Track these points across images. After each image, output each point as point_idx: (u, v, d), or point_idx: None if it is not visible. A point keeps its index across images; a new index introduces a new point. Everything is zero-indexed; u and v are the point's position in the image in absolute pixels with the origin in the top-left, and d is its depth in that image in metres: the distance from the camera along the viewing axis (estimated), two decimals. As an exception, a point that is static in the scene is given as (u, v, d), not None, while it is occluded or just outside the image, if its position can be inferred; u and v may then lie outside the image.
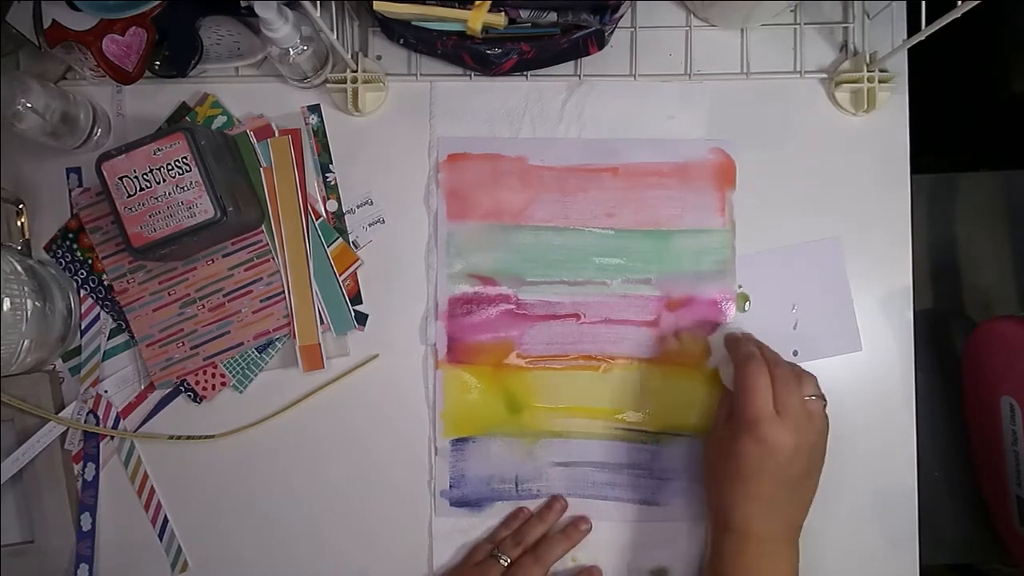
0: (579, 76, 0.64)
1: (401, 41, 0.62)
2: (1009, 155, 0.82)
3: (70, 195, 0.64)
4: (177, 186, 0.55)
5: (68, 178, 0.64)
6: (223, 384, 0.63)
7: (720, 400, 0.60)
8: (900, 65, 0.62)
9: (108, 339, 0.63)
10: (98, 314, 0.63)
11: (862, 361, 0.62)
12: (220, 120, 0.64)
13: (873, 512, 0.62)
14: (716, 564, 0.54)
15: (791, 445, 0.51)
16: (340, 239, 0.63)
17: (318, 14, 0.52)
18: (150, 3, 0.58)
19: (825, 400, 0.54)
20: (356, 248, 0.63)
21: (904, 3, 0.62)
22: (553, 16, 0.57)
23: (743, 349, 0.55)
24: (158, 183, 0.55)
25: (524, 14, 0.57)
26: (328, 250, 0.63)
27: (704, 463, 0.59)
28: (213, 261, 0.62)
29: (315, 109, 0.64)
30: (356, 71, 0.62)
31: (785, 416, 0.51)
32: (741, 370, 0.53)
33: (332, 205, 0.64)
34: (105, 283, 0.63)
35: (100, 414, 0.63)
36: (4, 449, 0.61)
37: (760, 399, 0.51)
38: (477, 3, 0.55)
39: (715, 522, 0.55)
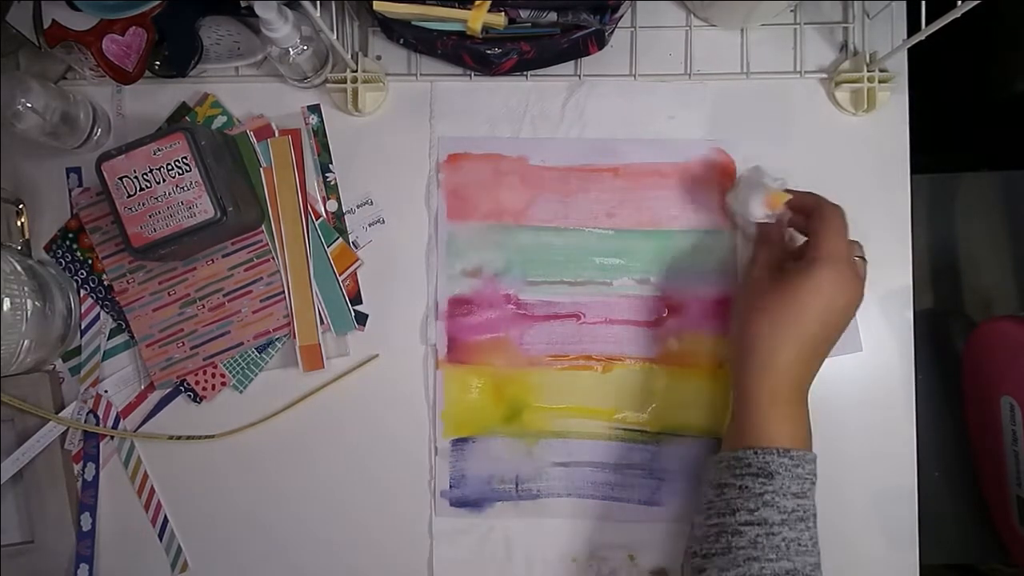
0: (579, 76, 0.64)
1: (401, 41, 0.62)
2: (1009, 155, 0.82)
3: (70, 195, 0.64)
4: (177, 186, 0.55)
5: (68, 178, 0.64)
6: (223, 384, 0.63)
7: (762, 244, 0.58)
8: (900, 65, 0.62)
9: (108, 339, 0.63)
10: (98, 314, 0.63)
11: (862, 361, 0.62)
12: (220, 120, 0.64)
13: (873, 512, 0.62)
14: (746, 408, 0.52)
15: (856, 293, 0.52)
16: (340, 239, 0.63)
17: (318, 14, 0.52)
18: (150, 3, 0.58)
19: (866, 262, 0.56)
20: (356, 248, 0.63)
21: (904, 3, 0.62)
22: (553, 16, 0.57)
23: (820, 196, 0.55)
24: (158, 183, 0.55)
25: (524, 14, 0.57)
26: (328, 250, 0.63)
27: (741, 307, 0.56)
28: (213, 261, 0.62)
29: (315, 109, 0.64)
30: (356, 71, 0.62)
31: (853, 265, 0.52)
32: (826, 211, 0.53)
33: (332, 205, 0.64)
34: (105, 283, 0.63)
35: (100, 414, 0.63)
36: (4, 449, 0.61)
37: (844, 239, 0.52)
38: (477, 3, 0.55)
39: (750, 366, 0.53)
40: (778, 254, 0.57)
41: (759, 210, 0.57)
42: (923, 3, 0.53)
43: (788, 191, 0.56)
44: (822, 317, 0.51)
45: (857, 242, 0.56)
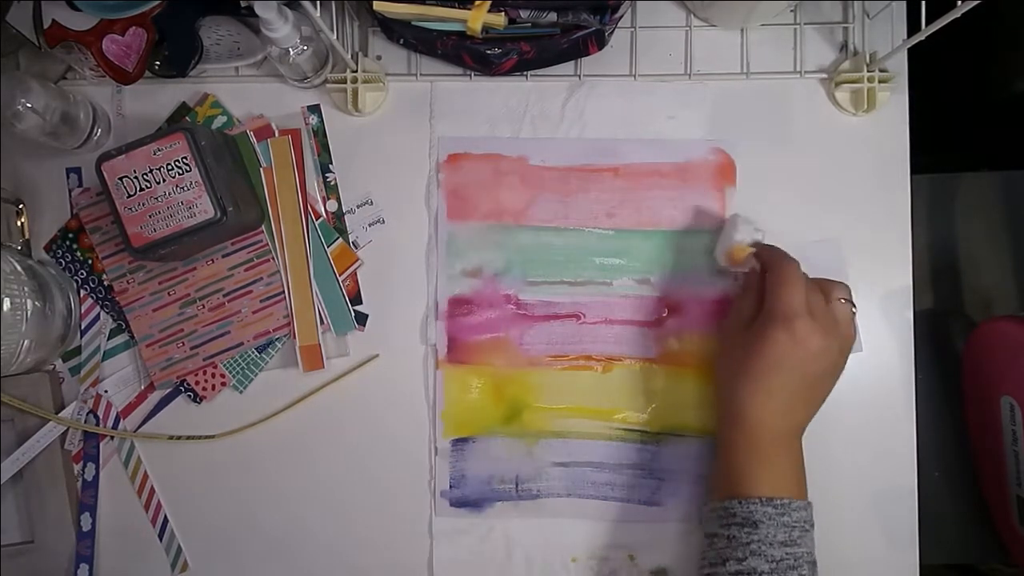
0: (579, 76, 0.64)
1: (401, 41, 0.62)
2: (1009, 155, 0.82)
3: (70, 195, 0.64)
4: (177, 186, 0.55)
5: (68, 178, 0.64)
6: (223, 384, 0.63)
7: (740, 297, 0.59)
8: (900, 65, 0.62)
9: (108, 339, 0.63)
10: (98, 314, 0.63)
11: (862, 361, 0.62)
12: (220, 120, 0.64)
13: (873, 512, 0.62)
14: (727, 460, 0.54)
15: (819, 344, 0.51)
16: (340, 239, 0.63)
17: (318, 14, 0.52)
18: (150, 3, 0.58)
19: (855, 307, 0.55)
20: (356, 248, 0.63)
21: (904, 3, 0.62)
22: (553, 16, 0.57)
23: (777, 250, 0.56)
24: (158, 183, 0.55)
25: (524, 14, 0.57)
26: (328, 250, 0.63)
27: (718, 360, 0.59)
28: (213, 261, 0.62)
29: (315, 109, 0.64)
30: (356, 71, 0.62)
31: (815, 316, 0.52)
32: (777, 267, 0.54)
33: (332, 205, 0.64)
34: (105, 283, 0.63)
35: (100, 414, 0.63)
36: (4, 449, 0.61)
37: (796, 295, 0.52)
38: (477, 3, 0.55)
39: (727, 418, 0.54)
40: (753, 306, 0.56)
41: (721, 261, 0.59)
42: (923, 3, 0.53)
43: (757, 244, 0.57)
44: (792, 370, 0.52)
45: (840, 284, 0.55)
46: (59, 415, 0.62)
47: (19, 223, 0.63)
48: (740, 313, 0.57)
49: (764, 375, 0.52)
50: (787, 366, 0.52)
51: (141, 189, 0.55)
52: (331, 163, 0.64)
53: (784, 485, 0.52)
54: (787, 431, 0.53)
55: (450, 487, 0.62)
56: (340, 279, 0.63)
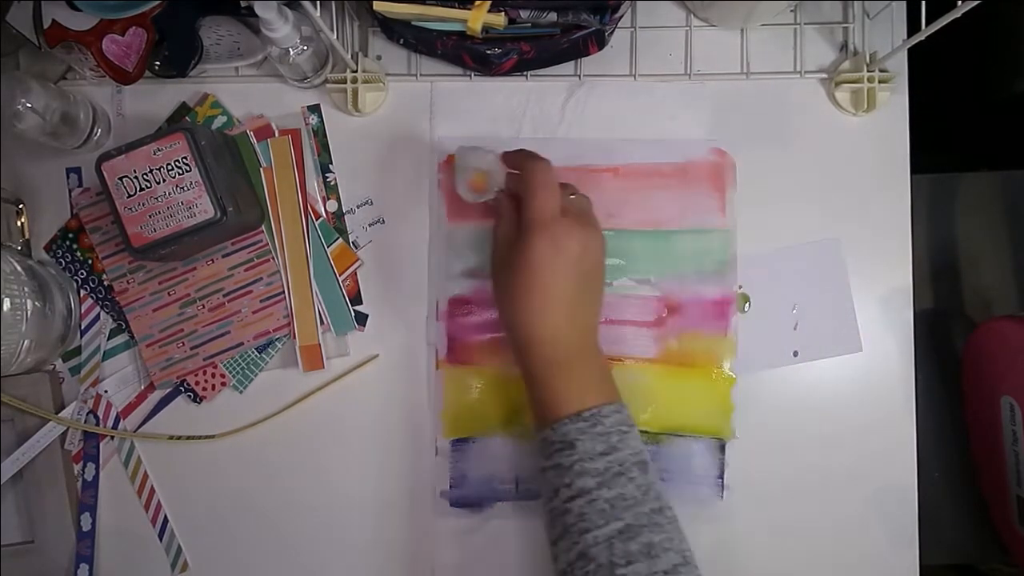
0: (579, 76, 0.64)
1: (401, 41, 0.62)
2: (1009, 155, 0.82)
3: (70, 195, 0.64)
4: (177, 186, 0.55)
5: (68, 178, 0.64)
6: (223, 384, 0.63)
7: (498, 224, 0.56)
8: (900, 65, 0.62)
9: (108, 339, 0.63)
10: (98, 314, 0.63)
11: (862, 361, 0.62)
12: (220, 120, 0.64)
13: (873, 512, 0.62)
14: (531, 388, 0.53)
15: (580, 240, 0.51)
16: (340, 239, 0.63)
17: (318, 14, 0.52)
18: (150, 3, 0.58)
19: (587, 198, 0.55)
20: (356, 248, 0.63)
21: (904, 3, 0.62)
22: (553, 16, 0.57)
23: (525, 154, 0.54)
24: (158, 183, 0.55)
25: (524, 14, 0.57)
26: (328, 250, 0.63)
27: (495, 291, 0.56)
28: (213, 261, 0.62)
29: (315, 109, 0.64)
30: (356, 71, 0.62)
31: (568, 214, 0.52)
32: (527, 171, 0.52)
33: (332, 205, 0.64)
34: (105, 283, 0.63)
35: (100, 414, 0.63)
36: (4, 449, 0.61)
37: (548, 199, 0.51)
38: (477, 3, 0.55)
39: (517, 346, 0.53)
40: (513, 227, 0.54)
41: (467, 194, 0.57)
42: (923, 3, 0.53)
43: (496, 164, 0.55)
44: (562, 277, 0.50)
45: (564, 183, 0.54)
46: (59, 415, 0.62)
47: (19, 223, 0.63)
48: (505, 238, 0.55)
49: (537, 290, 0.50)
50: (557, 273, 0.50)
51: (141, 189, 0.55)
52: (331, 163, 0.64)
53: (589, 394, 0.51)
54: (577, 339, 0.52)
55: (450, 487, 0.62)
56: (340, 279, 0.63)
